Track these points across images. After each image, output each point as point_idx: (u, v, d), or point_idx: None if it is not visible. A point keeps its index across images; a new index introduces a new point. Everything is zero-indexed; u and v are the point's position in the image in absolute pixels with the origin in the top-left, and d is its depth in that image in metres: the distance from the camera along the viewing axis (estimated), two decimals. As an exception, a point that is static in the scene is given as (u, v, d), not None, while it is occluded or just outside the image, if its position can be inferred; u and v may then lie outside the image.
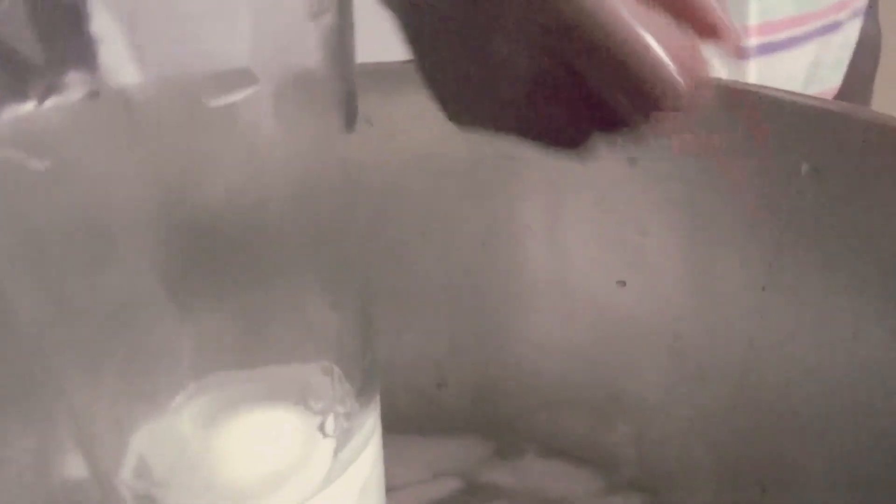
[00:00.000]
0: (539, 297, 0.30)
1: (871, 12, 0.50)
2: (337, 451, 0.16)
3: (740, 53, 0.40)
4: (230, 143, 0.16)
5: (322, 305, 0.17)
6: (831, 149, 0.20)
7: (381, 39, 0.21)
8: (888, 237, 0.20)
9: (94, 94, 0.13)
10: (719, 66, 0.31)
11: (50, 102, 0.13)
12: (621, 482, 0.31)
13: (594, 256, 0.28)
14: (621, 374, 0.29)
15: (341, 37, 0.16)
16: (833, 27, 0.47)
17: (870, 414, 0.22)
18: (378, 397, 0.18)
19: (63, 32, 0.13)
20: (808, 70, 0.45)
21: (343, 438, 0.16)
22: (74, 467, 0.15)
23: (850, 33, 0.49)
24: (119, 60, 0.13)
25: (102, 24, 0.13)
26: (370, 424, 0.17)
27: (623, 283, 0.27)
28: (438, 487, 0.31)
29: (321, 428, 0.16)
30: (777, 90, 0.21)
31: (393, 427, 0.35)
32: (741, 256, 0.24)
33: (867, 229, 0.20)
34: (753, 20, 0.46)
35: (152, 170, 0.15)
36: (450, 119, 0.19)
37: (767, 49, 0.43)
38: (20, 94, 0.13)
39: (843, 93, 0.45)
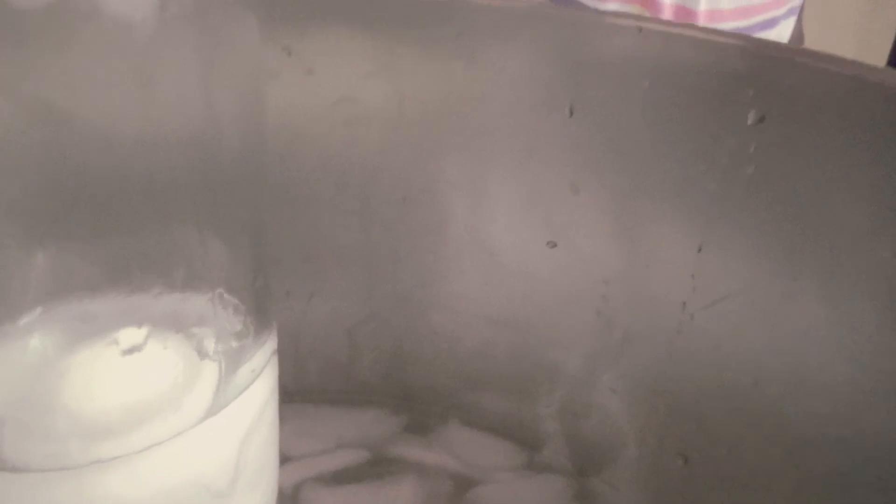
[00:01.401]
0: (462, 259, 0.28)
1: (799, 15, 0.52)
2: (222, 383, 0.13)
3: None
4: (114, 65, 0.13)
5: (205, 233, 0.15)
6: (780, 96, 0.19)
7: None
8: (830, 195, 0.19)
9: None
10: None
11: None
12: (542, 459, 0.29)
13: (523, 215, 0.26)
14: (546, 342, 0.28)
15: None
16: (771, 23, 0.48)
17: (799, 381, 0.21)
18: (273, 333, 0.16)
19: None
20: None
21: (230, 369, 0.14)
22: None
23: (784, 32, 0.50)
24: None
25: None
26: (261, 357, 0.15)
27: (553, 244, 0.26)
28: (342, 458, 0.29)
29: (202, 357, 0.13)
30: (726, 33, 0.20)
31: (300, 396, 0.32)
32: (677, 215, 0.22)
33: (810, 186, 0.19)
34: (703, 6, 0.47)
35: (21, 89, 0.12)
36: None
37: None
38: None
39: None
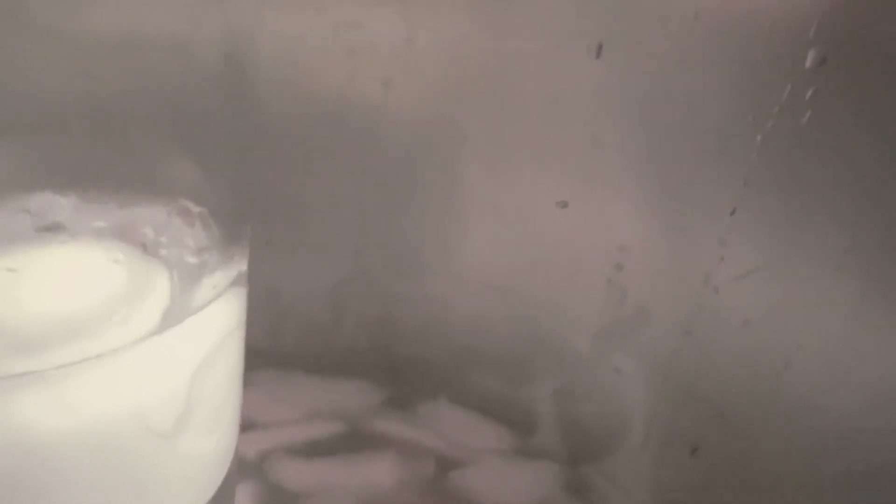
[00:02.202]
0: (463, 217, 0.26)
1: None
2: (176, 298, 0.11)
3: None
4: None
5: (169, 141, 0.13)
6: (847, 34, 0.16)
7: None
8: (893, 150, 0.17)
9: None
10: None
11: None
12: (534, 444, 0.27)
13: (534, 170, 0.24)
14: (549, 313, 0.25)
15: None
16: None
17: (835, 370, 0.19)
18: (244, 254, 0.13)
19: None
20: None
21: (187, 284, 0.11)
22: None
23: None
24: None
25: None
26: (225, 275, 0.12)
27: (564, 204, 0.23)
28: (315, 429, 0.26)
29: (157, 267, 0.11)
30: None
31: (275, 359, 0.30)
32: (711, 174, 0.20)
33: (876, 142, 0.17)
34: None
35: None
36: None
37: None
38: None
39: None
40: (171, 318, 0.11)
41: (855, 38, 0.16)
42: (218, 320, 0.12)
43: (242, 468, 0.25)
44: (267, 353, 0.30)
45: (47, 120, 0.14)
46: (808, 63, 0.17)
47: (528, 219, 0.24)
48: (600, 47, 0.20)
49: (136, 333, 0.11)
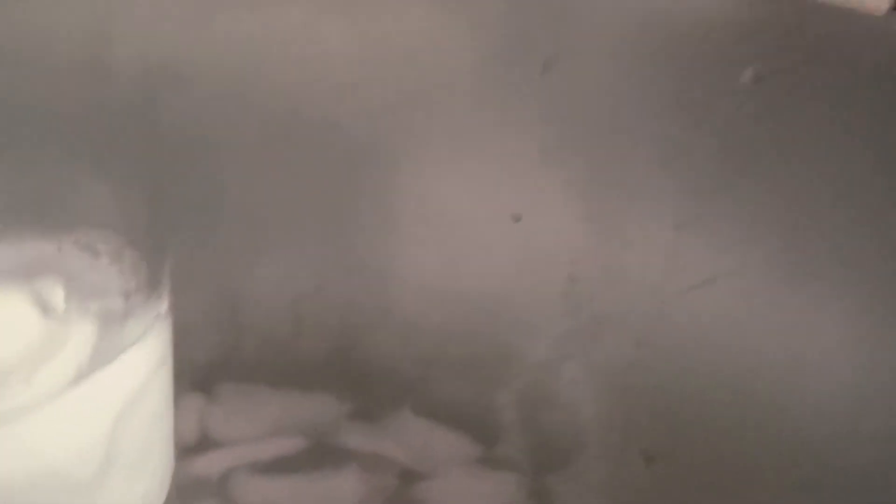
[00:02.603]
0: (421, 229, 0.26)
1: None
2: (89, 348, 0.11)
3: None
4: None
5: (74, 169, 0.12)
6: (781, 50, 0.16)
7: None
8: (842, 165, 0.17)
9: None
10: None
11: None
12: (497, 454, 0.27)
13: (487, 183, 0.24)
14: (507, 324, 0.25)
15: None
16: None
17: (789, 379, 0.19)
18: (164, 291, 0.13)
19: None
20: None
21: (102, 331, 0.11)
22: None
23: None
24: None
25: None
26: (143, 319, 0.12)
27: (518, 218, 0.23)
28: (278, 446, 0.26)
29: (65, 316, 0.11)
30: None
31: (234, 374, 0.30)
32: (659, 187, 0.20)
33: (817, 155, 0.17)
34: None
35: None
36: None
37: None
38: None
39: None
40: (89, 366, 0.11)
41: (791, 57, 0.16)
42: (139, 364, 0.12)
43: (207, 489, 0.25)
44: (227, 367, 0.29)
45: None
46: (745, 80, 0.17)
47: (483, 231, 0.24)
48: (546, 64, 0.20)
49: (48, 388, 0.10)
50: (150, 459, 0.13)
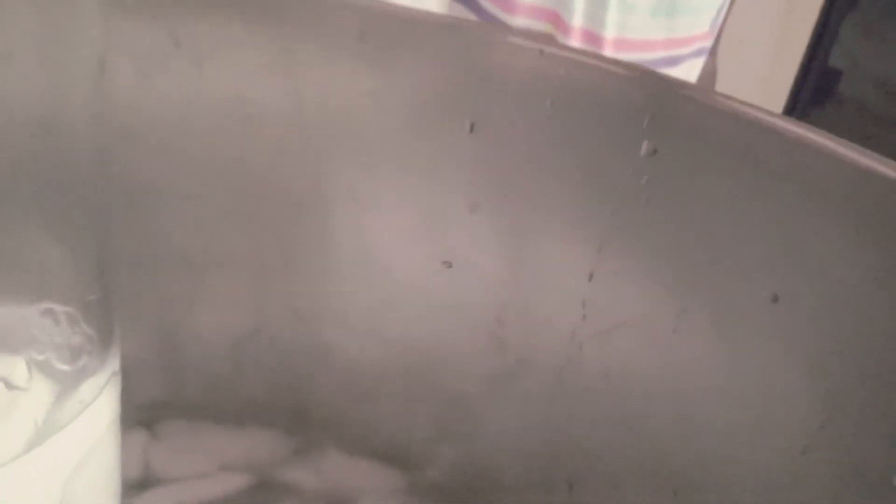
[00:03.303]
0: (356, 274, 0.27)
1: (712, 51, 0.53)
2: (41, 415, 0.12)
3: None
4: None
5: (32, 239, 0.13)
6: (674, 130, 0.19)
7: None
8: (718, 227, 0.19)
9: None
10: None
11: None
12: (426, 483, 0.28)
13: (419, 232, 0.25)
14: (439, 364, 0.27)
15: None
16: (675, 60, 0.49)
17: (686, 418, 0.21)
18: (115, 352, 0.14)
19: None
20: None
21: (56, 398, 0.12)
22: None
23: (692, 71, 0.51)
24: None
25: None
26: (95, 383, 0.13)
27: (449, 264, 0.25)
28: (224, 483, 0.27)
29: (15, 383, 0.11)
30: (626, 64, 0.20)
31: (177, 412, 0.30)
32: (571, 240, 0.22)
33: (699, 217, 0.19)
34: (610, 33, 0.47)
35: None
36: None
37: None
38: None
39: None
40: (43, 430, 0.12)
41: (683, 133, 0.19)
42: (92, 424, 0.13)
43: None
44: (170, 405, 0.30)
45: None
46: (642, 152, 0.19)
47: (416, 276, 0.26)
48: (473, 125, 0.22)
49: (1, 454, 0.11)
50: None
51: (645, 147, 0.19)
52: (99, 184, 0.16)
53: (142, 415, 0.28)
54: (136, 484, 0.26)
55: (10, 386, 0.11)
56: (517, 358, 0.25)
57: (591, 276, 0.22)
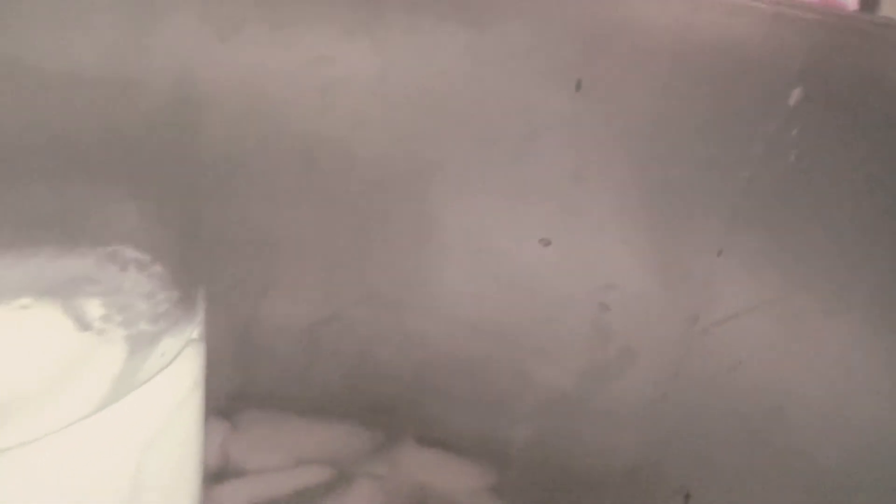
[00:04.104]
0: (441, 254, 0.25)
1: None
2: (118, 370, 0.10)
3: None
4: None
5: (105, 185, 0.11)
6: (830, 71, 0.16)
7: None
8: (880, 191, 0.16)
9: None
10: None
11: None
12: (514, 484, 0.26)
13: (515, 207, 0.23)
14: (532, 354, 0.24)
15: None
16: None
17: (829, 416, 0.18)
18: (197, 312, 0.12)
19: None
20: None
21: (131, 352, 0.10)
22: None
23: None
24: None
25: None
26: (175, 340, 0.11)
27: (547, 242, 0.23)
28: (302, 475, 0.25)
29: (92, 335, 0.10)
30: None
31: (253, 402, 0.29)
32: (696, 212, 0.19)
33: (858, 179, 0.16)
34: None
35: None
36: None
37: None
38: None
39: None
40: (115, 391, 0.10)
41: (839, 76, 0.16)
42: (168, 390, 0.11)
43: None
44: (242, 396, 0.29)
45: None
46: (792, 101, 0.16)
47: (509, 256, 0.24)
48: (579, 83, 0.20)
49: (72, 414, 0.10)
50: (177, 494, 0.12)
51: (796, 95, 0.16)
52: (177, 150, 0.15)
53: (219, 405, 0.27)
54: (213, 475, 0.25)
55: (83, 326, 0.10)
56: (623, 348, 0.22)
57: (720, 252, 0.19)
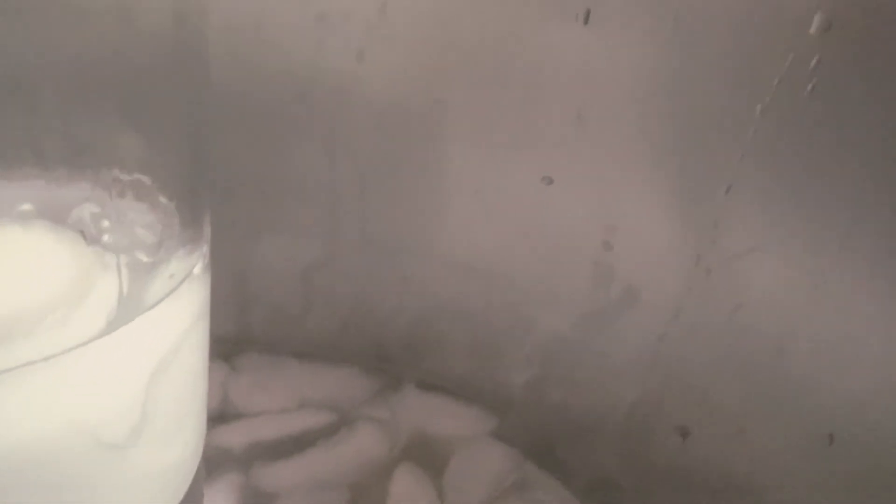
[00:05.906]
0: (441, 195, 0.24)
1: None
2: (126, 292, 0.10)
3: None
4: None
5: (110, 109, 0.11)
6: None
7: None
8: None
9: None
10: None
11: None
12: (514, 427, 0.26)
13: (515, 145, 0.22)
14: (532, 296, 0.24)
15: None
16: None
17: (836, 357, 0.18)
18: (204, 237, 0.12)
19: None
20: None
21: (138, 275, 0.10)
22: None
23: None
24: None
25: None
26: (182, 264, 0.11)
27: (549, 181, 0.22)
28: (300, 418, 0.25)
29: (100, 257, 0.09)
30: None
31: (248, 345, 0.28)
32: (704, 148, 0.19)
33: (880, 114, 0.16)
34: None
35: None
36: None
37: None
38: None
39: None
40: (121, 315, 0.10)
41: (865, 1, 0.15)
42: (176, 315, 0.11)
43: (228, 462, 0.24)
44: (237, 338, 0.28)
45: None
46: (812, 28, 0.16)
47: (510, 196, 0.23)
48: (588, 13, 0.19)
49: (79, 335, 0.09)
50: (186, 420, 0.12)
51: (817, 22, 0.16)
52: (171, 81, 0.15)
53: (217, 347, 0.26)
54: (214, 416, 0.25)
55: (89, 239, 0.09)
56: (625, 288, 0.22)
57: (728, 189, 0.19)
